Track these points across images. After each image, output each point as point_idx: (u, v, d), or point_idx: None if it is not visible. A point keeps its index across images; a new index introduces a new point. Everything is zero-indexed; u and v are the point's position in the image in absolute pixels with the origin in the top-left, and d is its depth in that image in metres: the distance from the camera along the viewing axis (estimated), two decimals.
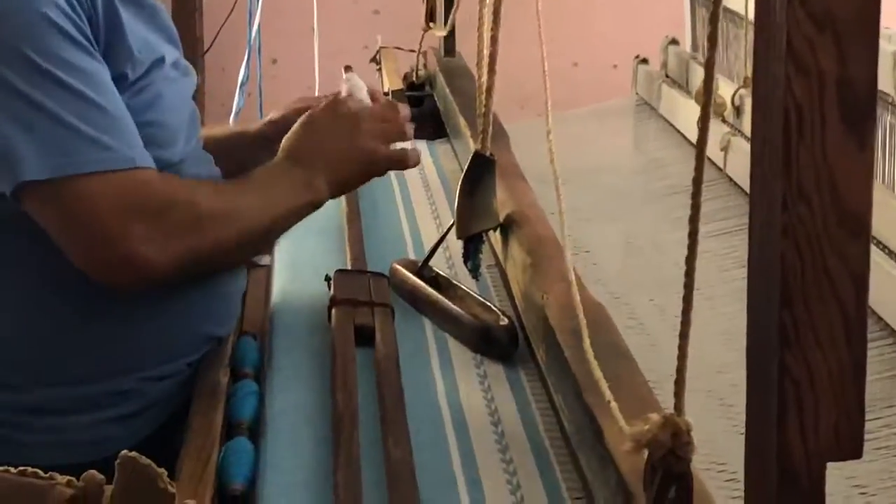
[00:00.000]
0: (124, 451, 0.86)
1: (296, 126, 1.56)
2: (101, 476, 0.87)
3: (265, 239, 1.56)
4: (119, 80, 1.39)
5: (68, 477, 0.88)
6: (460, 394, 1.37)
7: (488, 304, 1.53)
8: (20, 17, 1.32)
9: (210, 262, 1.44)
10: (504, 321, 1.47)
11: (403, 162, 1.61)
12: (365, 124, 1.56)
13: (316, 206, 1.52)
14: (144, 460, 0.85)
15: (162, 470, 0.87)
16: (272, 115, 1.72)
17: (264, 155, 1.58)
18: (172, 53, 1.52)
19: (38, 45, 1.32)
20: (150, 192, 1.36)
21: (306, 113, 1.58)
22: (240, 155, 1.66)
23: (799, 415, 0.72)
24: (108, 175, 1.33)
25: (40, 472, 0.87)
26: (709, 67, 0.73)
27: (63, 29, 1.33)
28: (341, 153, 1.54)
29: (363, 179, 1.59)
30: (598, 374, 1.15)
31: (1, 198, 1.35)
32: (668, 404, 0.89)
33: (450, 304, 1.53)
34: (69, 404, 1.43)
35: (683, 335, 0.83)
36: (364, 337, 1.46)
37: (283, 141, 1.55)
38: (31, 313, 1.42)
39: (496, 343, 1.46)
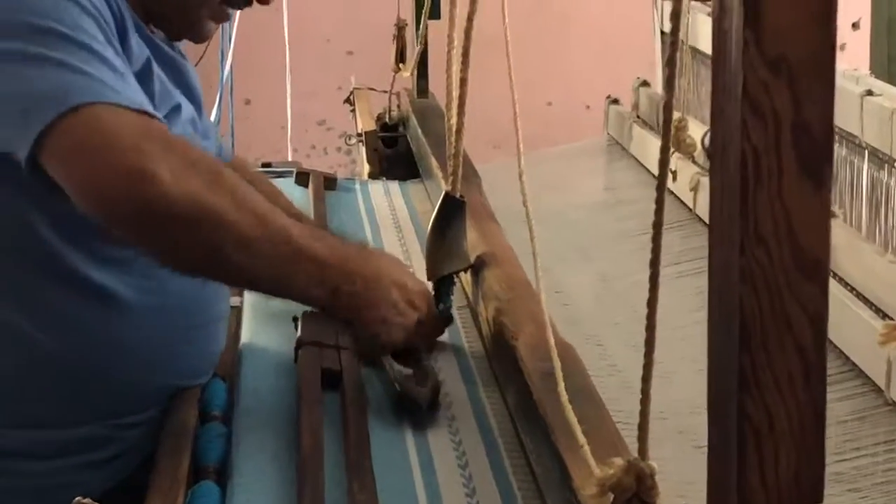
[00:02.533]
0: (78, 498, 0.85)
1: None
2: None
3: (274, 272, 1.42)
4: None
5: None
6: (428, 438, 1.37)
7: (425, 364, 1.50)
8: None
9: (210, 233, 1.33)
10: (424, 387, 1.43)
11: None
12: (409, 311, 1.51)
13: (325, 308, 1.48)
14: None
15: None
16: None
17: None
18: (189, 110, 1.53)
19: (60, 16, 1.32)
20: (170, 134, 1.34)
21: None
22: None
23: (759, 459, 0.72)
24: (125, 108, 1.29)
25: None
26: (667, 110, 0.73)
27: (84, 8, 1.34)
28: (376, 303, 1.48)
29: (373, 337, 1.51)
30: (571, 417, 1.15)
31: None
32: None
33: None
34: (39, 448, 1.42)
35: (645, 379, 0.83)
36: (331, 380, 1.46)
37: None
38: (5, 357, 1.41)
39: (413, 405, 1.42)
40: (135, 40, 1.43)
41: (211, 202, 1.30)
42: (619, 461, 0.88)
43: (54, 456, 1.43)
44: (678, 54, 0.74)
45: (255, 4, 1.57)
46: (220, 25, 3.52)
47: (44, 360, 1.40)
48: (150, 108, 1.33)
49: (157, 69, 1.46)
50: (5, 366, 1.41)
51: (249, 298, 1.76)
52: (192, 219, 1.30)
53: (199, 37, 1.59)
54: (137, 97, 1.32)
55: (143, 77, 1.41)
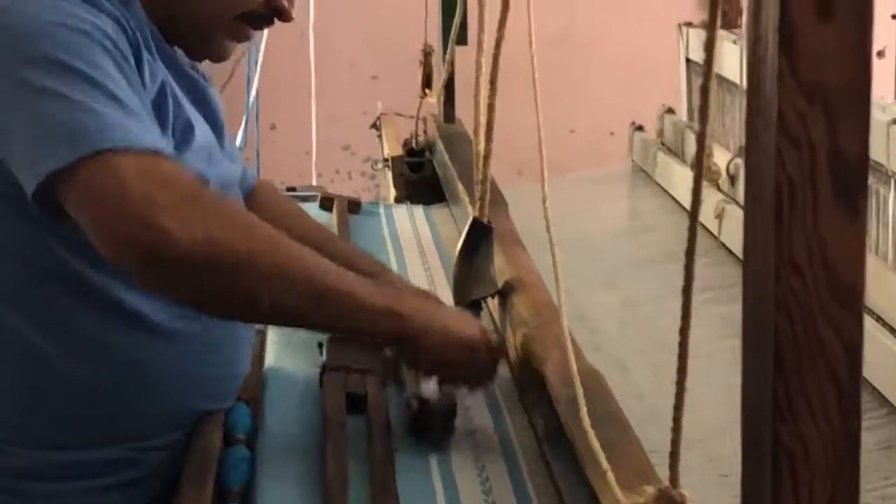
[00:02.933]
0: None
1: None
2: None
3: (312, 305, 1.35)
4: (164, 126, 1.39)
5: None
6: (452, 463, 1.37)
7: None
8: (53, 25, 1.32)
9: (244, 281, 1.29)
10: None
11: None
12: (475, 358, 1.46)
13: (377, 337, 1.44)
14: None
15: None
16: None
17: None
18: (209, 136, 1.51)
19: (71, 49, 1.31)
20: (181, 174, 1.29)
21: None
22: None
23: (793, 487, 0.71)
24: (135, 153, 1.26)
25: None
26: (700, 141, 0.73)
27: (95, 39, 1.32)
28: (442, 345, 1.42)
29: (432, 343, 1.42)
30: (595, 444, 1.15)
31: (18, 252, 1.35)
32: (666, 473, 0.89)
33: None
34: (63, 470, 1.42)
35: (678, 407, 0.82)
36: (356, 404, 1.46)
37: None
38: (29, 378, 1.41)
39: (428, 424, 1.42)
40: (151, 63, 1.41)
41: (227, 244, 1.26)
42: (649, 489, 0.88)
43: (77, 478, 1.43)
44: (711, 82, 0.74)
45: (281, 24, 1.55)
46: (247, 51, 3.51)
47: (67, 381, 1.40)
48: (163, 146, 1.30)
49: (174, 91, 1.44)
50: (29, 387, 1.41)
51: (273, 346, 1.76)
52: (210, 264, 1.26)
53: (218, 57, 1.56)
54: (148, 135, 1.29)
55: (158, 100, 1.40)
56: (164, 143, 1.32)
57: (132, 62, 1.36)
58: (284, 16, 1.53)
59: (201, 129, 1.48)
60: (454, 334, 1.42)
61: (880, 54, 2.89)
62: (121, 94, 1.30)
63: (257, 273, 1.29)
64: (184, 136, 1.43)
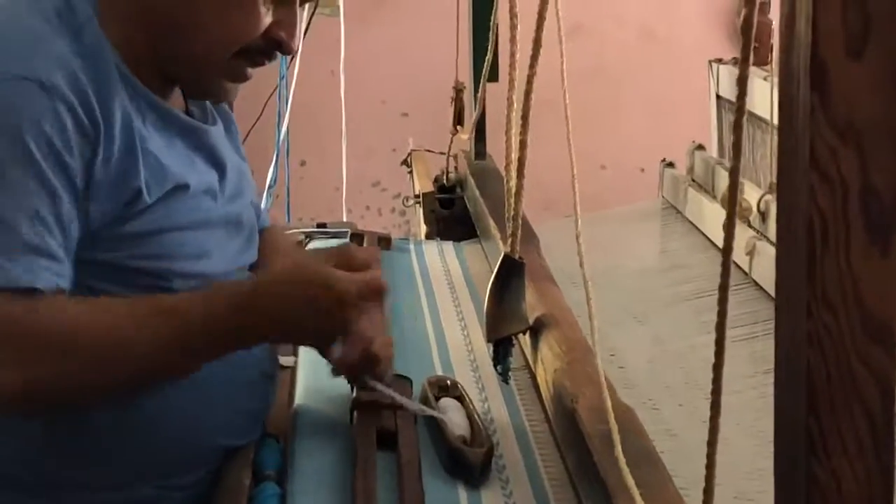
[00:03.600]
0: None
1: (280, 276, 1.45)
2: None
3: (147, 373, 1.36)
4: (137, 193, 1.36)
5: None
6: (482, 499, 1.37)
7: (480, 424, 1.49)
8: None
9: (69, 396, 1.32)
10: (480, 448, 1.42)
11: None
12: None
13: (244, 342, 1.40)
14: None
15: None
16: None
17: None
18: (206, 178, 1.47)
19: None
20: (10, 315, 1.27)
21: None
22: None
23: None
24: None
25: None
26: (733, 176, 0.74)
27: (26, 146, 1.28)
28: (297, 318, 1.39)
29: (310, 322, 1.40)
30: (630, 481, 1.15)
31: None
32: None
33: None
34: None
35: (711, 443, 0.82)
36: (386, 440, 1.46)
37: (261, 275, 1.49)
38: (57, 423, 1.41)
39: (467, 467, 1.41)
40: (121, 120, 1.35)
41: (38, 378, 1.28)
42: None
43: None
44: (744, 119, 0.75)
45: (311, 61, 1.53)
46: (277, 88, 3.51)
47: (88, 421, 1.40)
48: (21, 279, 1.27)
49: (151, 146, 1.39)
50: (56, 431, 1.41)
51: (304, 357, 1.77)
52: (29, 400, 1.30)
53: (217, 98, 1.53)
54: (8, 265, 1.26)
55: (124, 164, 1.35)
56: (28, 267, 1.28)
57: (75, 157, 1.31)
58: (285, 48, 1.46)
59: (198, 174, 1.45)
60: (290, 305, 1.37)
61: None
62: (5, 212, 1.27)
63: (78, 390, 1.32)
64: (169, 190, 1.39)
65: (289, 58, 2.77)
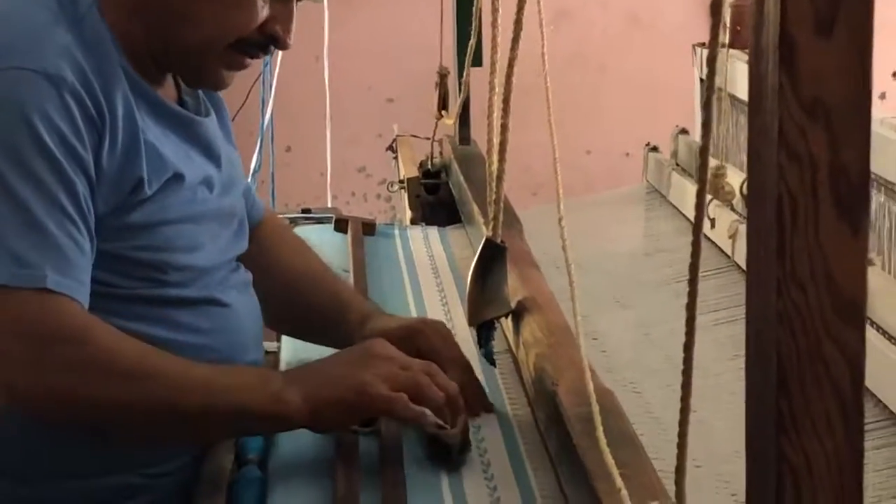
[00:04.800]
0: None
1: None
2: None
3: (190, 427, 1.38)
4: (139, 183, 1.37)
5: None
6: (464, 484, 1.37)
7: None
8: (3, 113, 1.31)
9: (99, 416, 1.34)
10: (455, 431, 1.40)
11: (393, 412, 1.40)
12: (380, 363, 1.40)
13: (283, 421, 1.37)
14: None
15: None
16: (376, 327, 1.59)
17: (325, 326, 1.60)
18: (202, 170, 1.48)
19: (3, 144, 1.29)
20: (47, 318, 1.29)
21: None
22: (308, 308, 1.67)
23: (797, 501, 0.72)
24: (13, 290, 1.28)
25: None
26: (703, 155, 0.74)
27: (40, 139, 1.30)
28: (332, 377, 1.39)
29: (347, 409, 1.38)
30: (610, 461, 1.15)
31: None
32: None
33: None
34: (74, 498, 1.43)
35: (682, 423, 0.83)
36: (368, 425, 1.46)
37: None
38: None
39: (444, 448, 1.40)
40: (123, 110, 1.37)
41: (78, 393, 1.31)
42: None
43: (105, 498, 1.43)
44: (713, 98, 0.75)
45: (295, 47, 1.52)
46: (261, 74, 3.51)
47: None
48: (54, 278, 1.29)
49: (150, 137, 1.40)
50: (46, 423, 1.41)
51: (287, 344, 1.77)
52: (63, 410, 1.32)
53: (214, 86, 1.53)
54: (41, 261, 1.28)
55: (129, 154, 1.37)
56: (58, 265, 1.30)
57: (84, 144, 1.32)
58: (280, 43, 1.47)
59: (193, 166, 1.46)
60: (338, 394, 1.37)
61: None
62: (37, 211, 1.29)
63: (105, 417, 1.34)
64: (167, 180, 1.41)
65: None
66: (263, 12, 1.43)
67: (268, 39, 1.46)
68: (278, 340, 1.78)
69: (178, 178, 1.42)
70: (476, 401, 1.50)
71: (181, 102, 1.52)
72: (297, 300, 1.68)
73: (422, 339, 1.53)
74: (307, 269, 1.72)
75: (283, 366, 1.69)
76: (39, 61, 1.32)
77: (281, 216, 2.32)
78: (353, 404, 1.37)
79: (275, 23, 1.44)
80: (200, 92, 1.56)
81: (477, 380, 1.53)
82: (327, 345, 1.61)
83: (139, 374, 1.33)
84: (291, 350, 1.75)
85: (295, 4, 1.47)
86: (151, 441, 1.43)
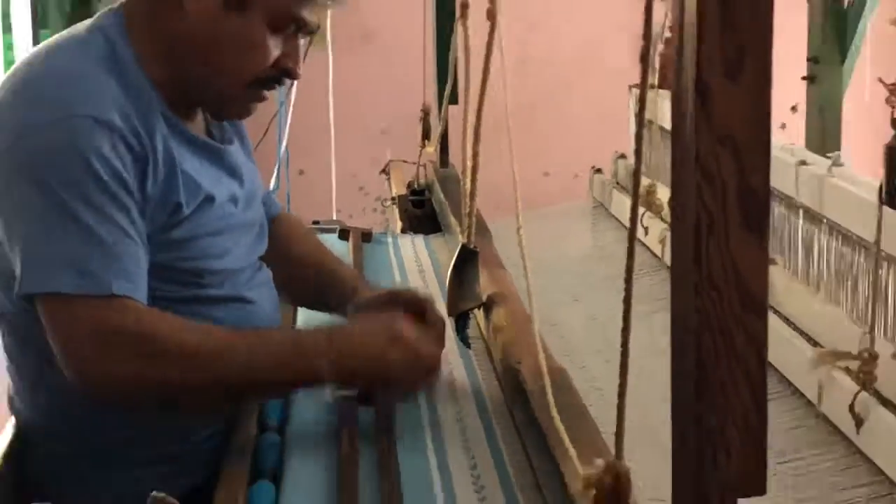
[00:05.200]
0: (154, 492, 0.85)
1: (357, 322, 1.47)
2: None
3: (244, 394, 1.39)
4: (177, 206, 1.37)
5: None
6: (445, 444, 1.37)
7: None
8: (64, 155, 1.29)
9: (168, 396, 1.31)
10: None
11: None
12: (401, 347, 1.39)
13: (320, 385, 1.38)
14: (170, 498, 0.85)
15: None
16: (365, 292, 1.60)
17: (328, 297, 1.61)
18: (229, 189, 1.47)
19: (68, 181, 1.29)
20: (113, 318, 1.28)
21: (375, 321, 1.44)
22: (315, 284, 1.67)
23: (713, 457, 0.72)
24: (82, 300, 1.27)
25: None
26: (636, 177, 0.74)
27: (97, 174, 1.29)
28: (366, 357, 1.38)
29: (369, 382, 1.40)
30: (561, 427, 1.15)
31: None
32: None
33: None
34: (131, 462, 1.42)
35: (621, 395, 0.83)
36: (366, 398, 1.46)
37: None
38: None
39: None
40: (161, 152, 1.36)
41: (146, 379, 1.28)
42: (600, 462, 0.88)
43: (143, 465, 1.42)
44: (644, 130, 0.75)
45: (306, 89, 1.53)
46: (279, 110, 3.49)
47: None
48: (120, 286, 1.28)
49: (186, 167, 1.39)
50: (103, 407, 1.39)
51: (301, 316, 1.77)
52: (137, 395, 1.30)
53: (239, 116, 1.52)
54: (109, 276, 1.28)
55: (169, 181, 1.37)
56: (123, 277, 1.29)
57: (132, 176, 1.32)
58: (292, 75, 1.46)
59: (222, 187, 1.46)
60: (373, 355, 1.37)
61: (794, 108, 2.90)
62: (102, 232, 1.28)
63: (184, 397, 1.32)
64: (201, 202, 1.41)
65: (287, 86, 2.77)
66: (275, 51, 1.41)
67: (281, 73, 1.44)
68: (293, 323, 1.77)
69: (209, 199, 1.42)
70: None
71: (209, 133, 1.51)
72: (306, 278, 1.70)
73: (404, 297, 1.52)
74: (313, 252, 1.73)
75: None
76: (93, 110, 1.31)
77: None
78: (376, 381, 1.39)
79: (286, 59, 1.43)
80: (225, 122, 1.55)
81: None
82: (329, 311, 1.64)
83: (204, 356, 1.31)
84: (304, 320, 1.75)
85: (300, 40, 1.45)
86: (212, 410, 1.42)
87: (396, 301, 1.50)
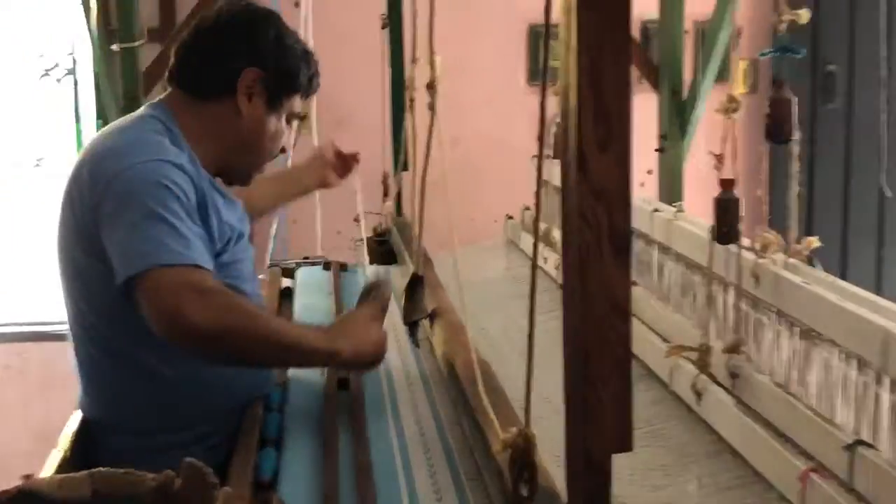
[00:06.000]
0: (185, 458, 0.83)
1: (347, 316, 1.44)
2: (173, 473, 0.85)
3: (283, 355, 1.34)
4: (221, 239, 1.37)
5: (153, 474, 0.85)
6: (401, 418, 1.36)
7: None
8: (150, 182, 1.29)
9: (238, 346, 1.26)
10: None
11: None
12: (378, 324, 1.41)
13: (332, 360, 1.36)
14: (198, 463, 0.83)
15: (209, 469, 0.84)
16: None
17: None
18: (244, 229, 1.48)
19: (155, 198, 1.28)
20: (205, 281, 1.25)
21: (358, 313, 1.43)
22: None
23: (595, 421, 0.72)
24: (176, 267, 1.24)
25: (137, 472, 0.84)
26: (535, 222, 0.74)
27: (174, 193, 1.29)
28: (364, 344, 1.38)
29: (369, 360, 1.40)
30: (487, 403, 1.15)
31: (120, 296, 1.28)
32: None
33: None
34: (170, 437, 1.37)
35: (528, 379, 0.83)
36: (344, 384, 1.45)
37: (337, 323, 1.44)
38: (150, 387, 1.37)
39: None
40: (208, 197, 1.37)
41: (232, 326, 1.23)
42: (513, 430, 0.88)
43: (189, 444, 1.36)
44: (542, 189, 0.75)
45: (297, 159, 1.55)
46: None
47: (172, 390, 1.37)
48: (202, 262, 1.26)
49: (221, 213, 1.40)
50: (152, 392, 1.37)
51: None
52: (220, 340, 1.23)
53: (246, 184, 1.53)
54: (191, 254, 1.26)
55: (211, 221, 1.37)
56: (202, 258, 1.27)
57: (194, 204, 1.32)
58: (284, 152, 1.58)
59: (243, 226, 1.47)
60: (369, 349, 1.38)
61: (650, 171, 2.95)
62: (183, 230, 1.27)
63: (245, 343, 1.27)
64: (234, 240, 1.41)
65: (283, 159, 2.77)
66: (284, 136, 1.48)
67: (280, 151, 1.51)
68: None
69: (240, 235, 1.44)
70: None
71: None
72: (266, 195, 1.81)
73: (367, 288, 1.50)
74: (263, 184, 1.78)
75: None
76: (167, 156, 1.33)
77: (289, 261, 2.32)
78: (375, 360, 1.39)
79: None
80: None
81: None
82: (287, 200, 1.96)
83: (263, 317, 1.30)
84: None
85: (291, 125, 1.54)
86: (266, 364, 1.40)
87: (367, 293, 1.49)
